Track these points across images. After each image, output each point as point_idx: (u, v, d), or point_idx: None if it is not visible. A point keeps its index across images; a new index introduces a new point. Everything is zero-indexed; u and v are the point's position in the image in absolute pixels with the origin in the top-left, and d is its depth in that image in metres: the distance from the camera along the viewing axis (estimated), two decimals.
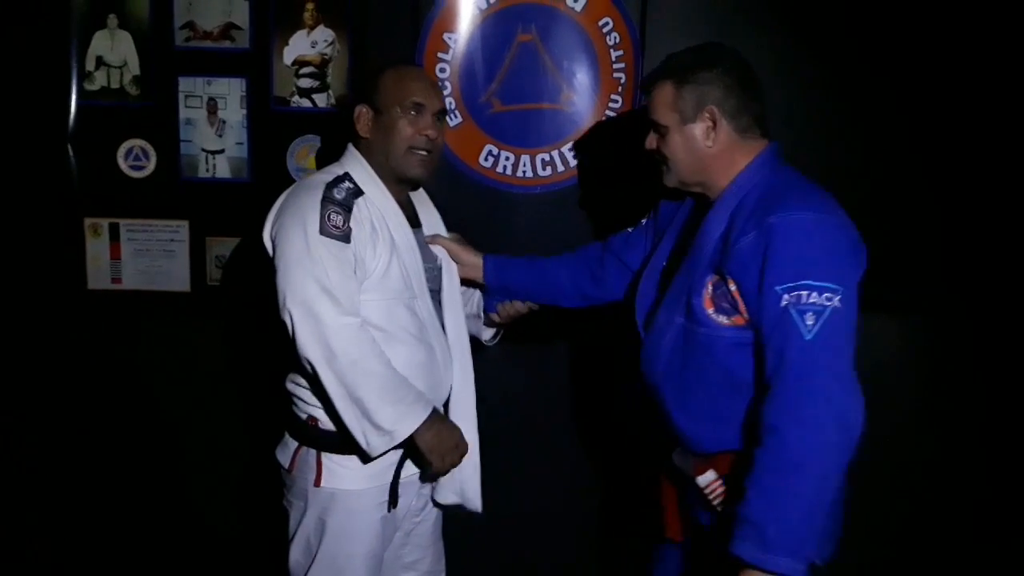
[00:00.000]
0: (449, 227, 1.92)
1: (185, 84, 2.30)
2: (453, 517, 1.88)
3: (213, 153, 2.33)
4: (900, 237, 2.25)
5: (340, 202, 1.63)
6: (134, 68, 2.29)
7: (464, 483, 1.79)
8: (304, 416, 1.70)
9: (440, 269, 1.84)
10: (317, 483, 1.66)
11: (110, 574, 2.46)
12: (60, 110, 2.28)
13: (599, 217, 2.29)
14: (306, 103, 2.31)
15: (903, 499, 2.38)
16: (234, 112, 2.31)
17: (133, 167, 2.33)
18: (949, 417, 2.39)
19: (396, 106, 1.69)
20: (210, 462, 2.43)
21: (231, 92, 2.30)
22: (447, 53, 2.24)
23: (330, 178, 1.67)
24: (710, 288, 1.47)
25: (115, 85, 2.29)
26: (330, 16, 2.28)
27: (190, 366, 2.39)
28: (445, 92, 2.17)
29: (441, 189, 1.95)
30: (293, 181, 2.22)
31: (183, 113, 2.31)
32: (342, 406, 1.56)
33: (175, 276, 2.37)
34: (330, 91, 2.30)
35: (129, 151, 2.32)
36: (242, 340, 2.36)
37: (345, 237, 1.60)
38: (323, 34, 2.28)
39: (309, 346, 1.54)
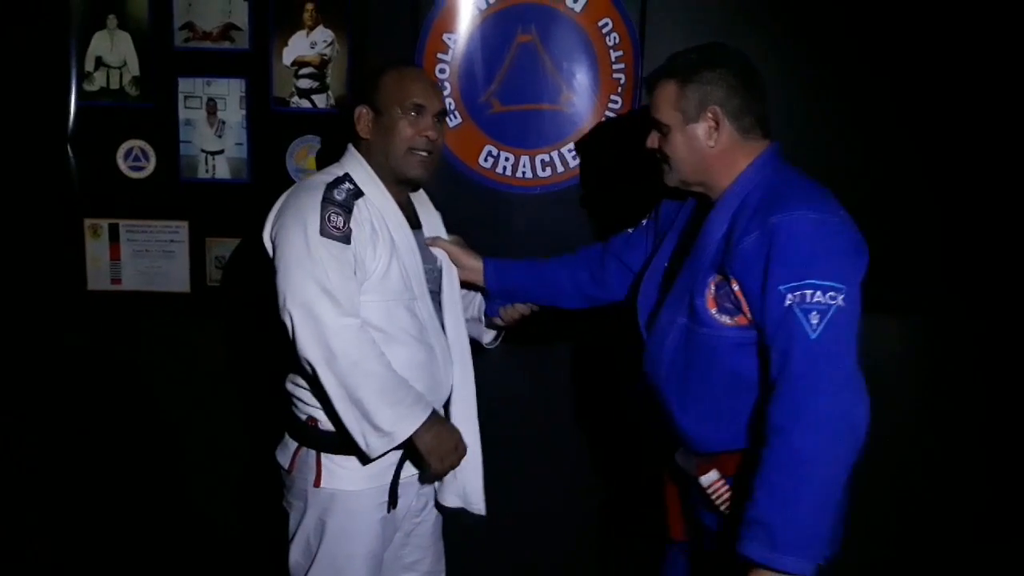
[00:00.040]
0: (449, 227, 1.92)
1: (185, 85, 2.29)
2: (453, 518, 1.88)
3: (213, 154, 2.33)
4: (900, 237, 2.25)
5: (340, 203, 1.63)
6: (134, 69, 2.29)
7: (467, 486, 1.79)
8: (304, 417, 1.70)
9: (440, 270, 1.84)
10: (317, 484, 1.66)
11: (110, 574, 2.46)
12: (60, 111, 2.28)
13: (599, 218, 2.29)
14: (305, 104, 2.31)
15: (903, 499, 2.38)
16: (233, 113, 2.31)
17: (133, 168, 2.33)
18: (949, 417, 2.39)
19: (396, 107, 1.69)
20: (210, 463, 2.43)
21: (230, 93, 2.30)
22: (447, 54, 2.23)
23: (330, 179, 1.67)
24: (713, 288, 1.47)
25: (115, 86, 2.29)
26: (329, 17, 2.27)
27: (190, 367, 2.39)
28: (445, 93, 2.17)
29: (441, 190, 1.95)
30: (293, 182, 2.24)
31: (182, 114, 2.31)
32: (342, 407, 1.56)
33: (175, 277, 2.37)
34: (329, 92, 2.30)
35: (129, 152, 2.32)
36: (242, 341, 2.36)
37: (345, 238, 1.60)
38: (322, 35, 2.28)
39: (309, 347, 1.54)
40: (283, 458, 1.74)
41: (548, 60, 2.24)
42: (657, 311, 1.60)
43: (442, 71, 2.24)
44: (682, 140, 1.52)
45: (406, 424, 1.57)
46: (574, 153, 2.28)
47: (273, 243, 1.64)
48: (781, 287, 1.36)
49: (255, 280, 1.82)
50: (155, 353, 2.39)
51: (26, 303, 2.36)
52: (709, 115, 1.49)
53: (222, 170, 2.34)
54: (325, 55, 2.29)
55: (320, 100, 2.31)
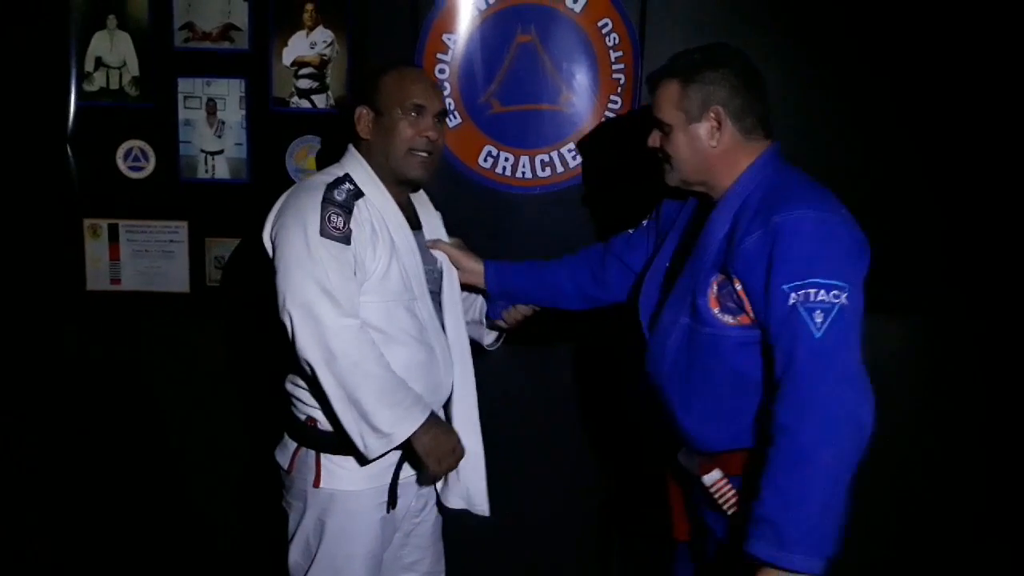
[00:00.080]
0: (448, 227, 1.92)
1: (184, 85, 2.29)
2: (454, 518, 1.88)
3: (212, 154, 2.33)
4: (900, 237, 2.25)
5: (341, 203, 1.63)
6: (133, 69, 2.29)
7: (470, 487, 1.79)
8: (303, 417, 1.70)
9: (440, 271, 1.84)
10: (316, 484, 1.66)
11: (110, 574, 2.46)
12: (59, 111, 2.28)
13: (599, 218, 2.29)
14: (305, 104, 2.31)
15: (903, 499, 2.38)
16: (233, 113, 2.31)
17: (132, 168, 2.33)
18: (949, 417, 2.39)
19: (397, 107, 1.69)
20: (210, 463, 2.43)
21: (230, 93, 2.30)
22: (446, 54, 2.23)
23: (331, 179, 1.67)
24: (715, 288, 1.48)
25: (114, 86, 2.29)
26: (329, 17, 2.27)
27: (189, 367, 2.39)
28: (444, 93, 2.17)
29: (440, 190, 1.95)
30: (292, 182, 2.24)
31: (182, 114, 2.30)
32: (340, 408, 1.56)
33: (174, 277, 2.37)
34: (329, 92, 2.30)
35: (128, 152, 2.32)
36: (241, 341, 2.36)
37: (345, 239, 1.60)
38: (322, 35, 2.28)
39: (309, 347, 1.54)
40: (282, 458, 1.74)
41: (548, 60, 2.23)
42: (659, 311, 1.61)
43: (442, 71, 2.24)
44: (684, 140, 1.53)
45: (405, 426, 1.57)
46: (574, 153, 2.28)
47: (273, 243, 1.64)
48: (785, 286, 1.36)
49: (255, 280, 1.82)
50: (155, 353, 2.39)
51: (26, 303, 2.35)
52: (711, 115, 1.50)
53: (222, 170, 2.34)
54: (325, 55, 2.29)
55: (320, 100, 2.31)
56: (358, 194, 1.67)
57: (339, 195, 1.64)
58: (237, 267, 2.35)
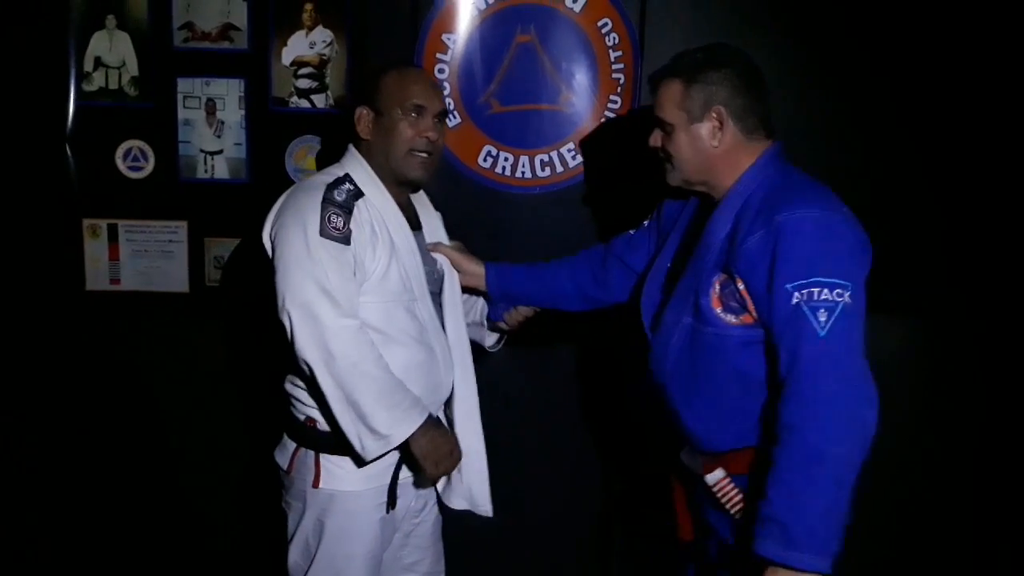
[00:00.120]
0: (448, 227, 1.92)
1: (184, 85, 2.29)
2: (454, 519, 1.88)
3: (212, 154, 2.33)
4: (900, 237, 2.25)
5: (341, 204, 1.62)
6: (132, 69, 2.29)
7: (473, 488, 1.79)
8: (302, 417, 1.70)
9: (441, 272, 1.83)
10: (315, 484, 1.66)
11: (110, 574, 2.46)
12: (58, 111, 2.28)
13: (598, 218, 2.29)
14: (305, 104, 2.31)
15: (903, 499, 2.38)
16: (233, 113, 2.31)
17: (132, 168, 2.33)
18: (949, 417, 2.39)
19: (397, 108, 1.69)
20: (209, 463, 2.43)
21: (229, 93, 2.30)
22: (446, 54, 2.23)
23: (331, 179, 1.67)
24: (717, 288, 1.48)
25: (113, 86, 2.29)
26: (329, 17, 2.27)
27: (189, 367, 2.39)
28: (444, 93, 2.17)
29: (440, 190, 1.94)
30: (292, 182, 2.24)
31: (181, 114, 2.30)
32: (339, 409, 1.56)
33: (174, 277, 2.36)
34: (329, 92, 2.30)
35: (128, 152, 2.32)
36: (241, 341, 2.36)
37: (345, 239, 1.60)
38: (322, 35, 2.28)
39: (307, 348, 1.54)
40: (282, 459, 1.74)
41: (547, 60, 2.23)
42: (661, 311, 1.61)
43: (441, 71, 2.24)
44: (686, 139, 1.53)
45: (402, 428, 1.57)
46: (573, 153, 2.28)
47: (272, 243, 1.64)
48: (788, 285, 1.37)
49: (254, 280, 1.82)
50: (154, 353, 2.39)
51: (25, 303, 2.35)
52: (713, 115, 1.50)
53: (221, 170, 2.33)
54: (324, 55, 2.29)
55: (319, 100, 2.30)
56: (358, 194, 1.66)
57: (339, 195, 1.63)
58: (236, 267, 2.35)
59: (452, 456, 1.67)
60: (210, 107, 2.30)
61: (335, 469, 1.66)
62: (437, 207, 1.91)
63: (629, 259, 1.84)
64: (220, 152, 2.33)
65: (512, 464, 2.07)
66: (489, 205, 2.29)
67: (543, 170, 2.29)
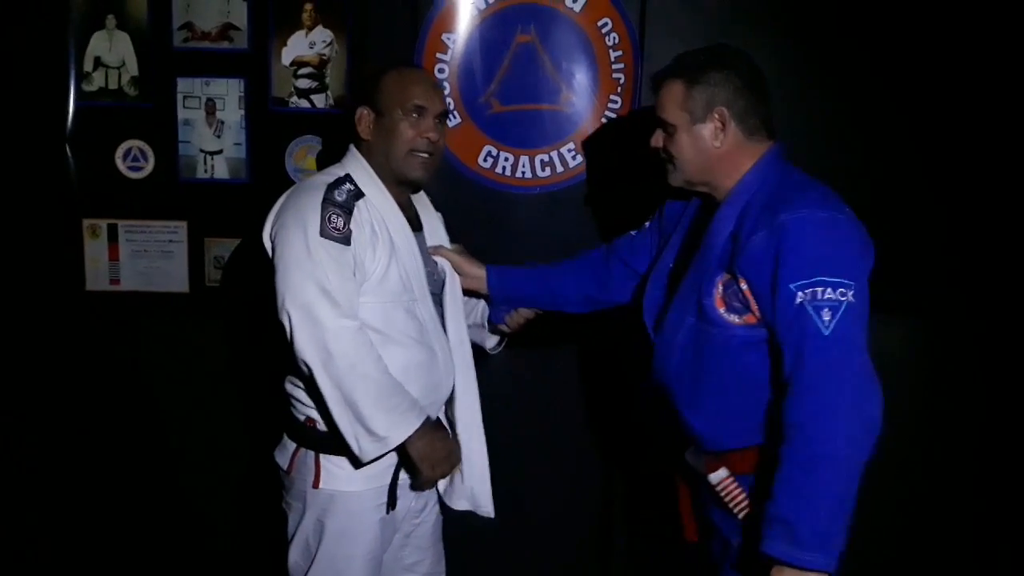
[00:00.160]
0: (448, 227, 1.92)
1: (183, 85, 2.29)
2: (455, 519, 1.88)
3: (211, 154, 2.33)
4: (900, 238, 2.24)
5: (341, 204, 1.62)
6: (132, 69, 2.29)
7: (475, 489, 1.79)
8: (302, 418, 1.70)
9: (443, 273, 1.83)
10: (316, 485, 1.66)
11: (110, 574, 2.46)
12: (58, 111, 2.28)
13: (599, 218, 2.29)
14: (304, 104, 2.31)
15: (903, 499, 2.38)
16: (232, 113, 2.31)
17: (131, 168, 2.33)
18: (949, 417, 2.39)
19: (397, 108, 1.69)
20: (209, 463, 2.43)
21: (229, 93, 2.30)
22: (446, 54, 2.23)
23: (331, 179, 1.67)
24: (721, 288, 1.49)
25: (113, 86, 2.29)
26: (328, 17, 2.27)
27: (189, 367, 2.39)
28: (444, 93, 2.17)
29: (440, 190, 1.94)
30: (291, 182, 2.24)
31: (181, 114, 2.30)
32: (336, 410, 1.56)
33: (174, 277, 2.36)
34: (328, 92, 2.30)
35: (127, 152, 2.32)
36: (241, 341, 2.36)
37: (345, 239, 1.60)
38: (321, 35, 2.28)
39: (306, 348, 1.54)
40: (282, 459, 1.74)
41: (547, 60, 2.23)
42: (664, 312, 1.62)
43: (441, 71, 2.23)
44: (688, 140, 1.53)
45: (399, 430, 1.57)
46: (574, 153, 2.28)
47: (273, 243, 1.63)
48: (792, 285, 1.37)
49: (254, 280, 1.82)
50: (154, 353, 2.39)
51: (25, 303, 2.35)
52: (716, 116, 1.51)
53: (221, 170, 2.33)
54: (324, 55, 2.29)
55: (319, 100, 2.30)
56: (359, 195, 1.66)
57: (339, 195, 1.63)
58: (236, 267, 2.35)
59: (448, 460, 1.67)
60: (210, 107, 2.30)
61: (335, 470, 1.66)
62: (437, 207, 1.91)
63: (631, 260, 1.84)
64: (220, 152, 2.33)
65: (512, 464, 2.07)
66: (489, 205, 2.29)
67: (543, 170, 2.29)
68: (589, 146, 2.27)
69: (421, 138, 1.69)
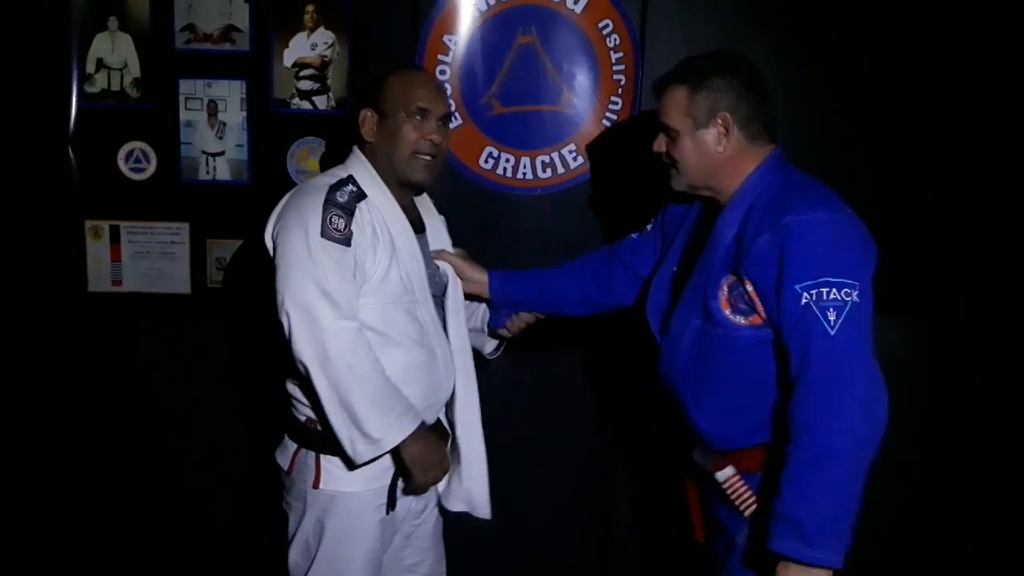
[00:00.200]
0: (450, 229, 1.92)
1: (185, 86, 2.30)
2: (456, 520, 1.88)
3: (213, 155, 2.33)
4: (900, 238, 2.25)
5: (342, 205, 1.63)
6: (134, 70, 2.29)
7: (473, 490, 1.79)
8: (303, 418, 1.70)
9: (445, 274, 1.84)
10: (316, 485, 1.66)
11: (110, 574, 2.46)
12: (61, 112, 2.28)
13: (600, 219, 2.29)
14: (306, 105, 2.31)
15: (903, 499, 2.38)
16: (234, 114, 2.31)
17: (133, 169, 2.33)
18: (949, 417, 2.39)
19: (401, 111, 1.69)
20: (210, 464, 2.43)
21: (231, 94, 2.30)
22: (447, 55, 2.24)
23: (334, 181, 1.67)
24: (726, 290, 1.50)
25: (115, 87, 2.30)
26: (330, 18, 2.28)
27: (190, 368, 2.39)
28: (447, 95, 2.17)
29: (441, 191, 1.94)
30: (293, 183, 2.24)
31: (183, 115, 2.31)
32: (332, 410, 1.56)
33: (175, 278, 2.37)
34: (330, 93, 2.31)
35: (129, 153, 2.33)
36: (242, 342, 2.36)
37: (346, 241, 1.60)
38: (323, 36, 2.29)
39: (305, 348, 1.54)
40: (282, 459, 1.74)
41: (548, 61, 2.24)
42: (670, 314, 1.63)
43: (443, 72, 2.24)
44: (691, 145, 1.55)
45: (394, 433, 1.57)
46: (575, 154, 2.28)
47: (274, 243, 1.64)
48: (797, 286, 1.38)
49: (256, 281, 1.82)
50: (156, 354, 2.39)
51: (27, 305, 2.36)
52: (719, 121, 1.52)
53: (223, 171, 2.34)
54: (326, 57, 2.30)
55: (321, 102, 2.31)
56: (361, 196, 1.66)
57: (341, 197, 1.64)
58: (238, 268, 2.36)
59: (441, 465, 1.68)
60: (212, 108, 2.31)
61: (336, 470, 1.66)
62: (438, 208, 1.91)
63: (632, 262, 1.84)
64: (222, 153, 2.33)
65: (512, 465, 2.07)
66: (490, 206, 2.29)
67: (544, 171, 2.29)
68: (590, 148, 2.27)
69: (424, 140, 1.70)
